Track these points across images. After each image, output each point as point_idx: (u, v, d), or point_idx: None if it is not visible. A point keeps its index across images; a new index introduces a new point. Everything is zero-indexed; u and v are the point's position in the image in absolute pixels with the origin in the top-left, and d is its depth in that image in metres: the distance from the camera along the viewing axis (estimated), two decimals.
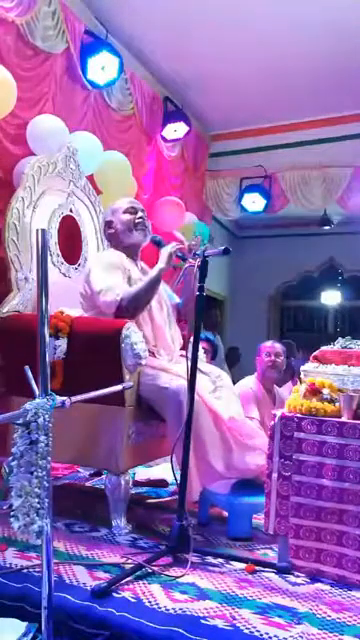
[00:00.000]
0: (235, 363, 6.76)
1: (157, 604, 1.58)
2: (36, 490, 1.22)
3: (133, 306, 2.32)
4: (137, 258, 2.63)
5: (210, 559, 1.95)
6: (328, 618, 1.55)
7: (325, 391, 1.95)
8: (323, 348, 2.12)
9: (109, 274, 2.39)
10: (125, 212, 2.57)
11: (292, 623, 1.51)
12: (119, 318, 2.30)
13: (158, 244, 2.45)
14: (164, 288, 2.76)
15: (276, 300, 8.58)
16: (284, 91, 4.78)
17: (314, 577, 1.82)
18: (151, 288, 2.36)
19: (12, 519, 1.23)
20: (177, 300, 2.78)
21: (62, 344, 2.28)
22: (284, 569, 1.86)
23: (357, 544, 1.76)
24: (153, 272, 2.37)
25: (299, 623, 1.51)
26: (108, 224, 2.60)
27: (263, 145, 5.48)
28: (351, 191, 5.17)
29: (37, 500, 1.22)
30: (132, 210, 2.58)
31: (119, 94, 4.17)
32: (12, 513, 1.24)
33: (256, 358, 3.53)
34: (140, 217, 2.57)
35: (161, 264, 2.37)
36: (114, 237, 2.58)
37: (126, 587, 1.67)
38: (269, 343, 3.56)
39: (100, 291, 2.34)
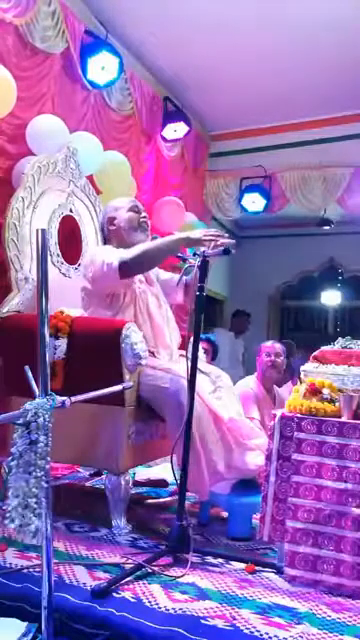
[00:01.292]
0: (244, 331, 6.81)
1: (157, 604, 1.58)
2: (34, 490, 1.22)
3: (140, 259, 2.27)
4: None
5: (210, 559, 1.95)
6: (328, 618, 1.55)
7: (325, 391, 1.94)
8: (323, 348, 2.12)
9: (111, 250, 2.42)
10: (129, 210, 2.57)
11: (292, 623, 1.51)
12: (125, 276, 2.30)
13: None
14: (164, 278, 2.75)
15: (276, 300, 8.56)
16: (284, 91, 4.78)
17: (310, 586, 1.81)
18: (161, 249, 2.29)
19: (6, 520, 1.23)
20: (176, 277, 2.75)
21: (62, 344, 2.28)
22: (284, 569, 1.86)
23: (356, 549, 1.74)
24: (171, 237, 2.32)
25: (299, 623, 1.51)
26: (110, 220, 2.60)
27: (263, 145, 5.48)
28: (351, 191, 5.17)
29: (34, 500, 1.22)
30: (136, 209, 2.58)
31: (119, 94, 4.17)
32: (7, 514, 1.23)
33: (256, 358, 3.53)
34: (144, 217, 2.58)
35: (188, 233, 2.31)
36: (115, 234, 2.57)
37: (126, 587, 1.67)
38: (269, 343, 3.57)
39: (103, 261, 2.31)
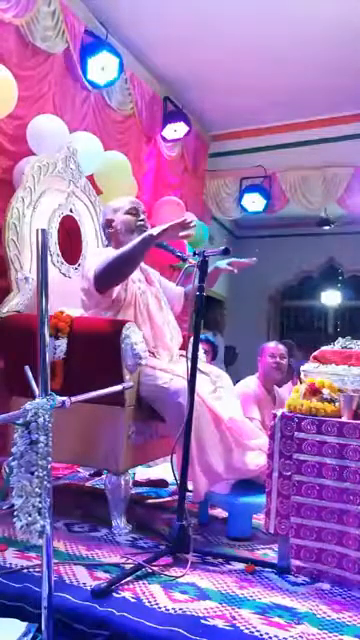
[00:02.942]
0: (232, 363, 6.73)
1: (157, 604, 1.58)
2: (37, 490, 1.22)
3: (103, 274, 2.25)
4: None
5: (210, 559, 1.95)
6: (328, 618, 1.55)
7: (325, 391, 1.94)
8: (323, 348, 2.12)
9: (99, 256, 2.39)
10: (127, 213, 2.55)
11: (292, 623, 1.51)
12: (100, 292, 2.30)
13: (159, 246, 2.43)
14: (164, 283, 2.75)
15: (276, 300, 8.57)
16: (284, 91, 4.78)
17: (314, 577, 1.82)
18: (128, 253, 2.21)
19: (15, 519, 1.23)
20: (180, 288, 2.78)
21: (62, 344, 2.28)
22: (284, 569, 1.86)
23: (357, 544, 1.76)
24: (136, 239, 2.22)
25: (299, 623, 1.51)
26: (109, 222, 2.59)
27: (263, 145, 5.49)
28: (351, 191, 5.17)
29: (38, 500, 1.22)
30: (134, 211, 2.55)
31: (119, 94, 4.17)
32: (15, 513, 1.24)
33: (258, 359, 3.51)
34: (142, 219, 2.55)
35: (152, 230, 2.20)
36: (114, 236, 2.57)
37: (126, 587, 1.67)
38: (272, 344, 3.54)
39: (87, 270, 2.35)
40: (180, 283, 2.69)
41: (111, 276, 2.28)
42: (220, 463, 2.18)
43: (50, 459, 1.26)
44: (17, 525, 1.22)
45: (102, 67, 3.73)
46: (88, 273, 2.33)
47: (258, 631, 1.45)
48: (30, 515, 1.21)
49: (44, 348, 1.33)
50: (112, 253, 2.33)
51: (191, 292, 2.01)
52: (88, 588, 1.63)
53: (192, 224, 2.21)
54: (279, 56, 4.30)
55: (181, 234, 2.21)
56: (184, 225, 2.18)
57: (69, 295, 2.60)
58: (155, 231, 2.17)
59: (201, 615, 1.52)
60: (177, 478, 1.95)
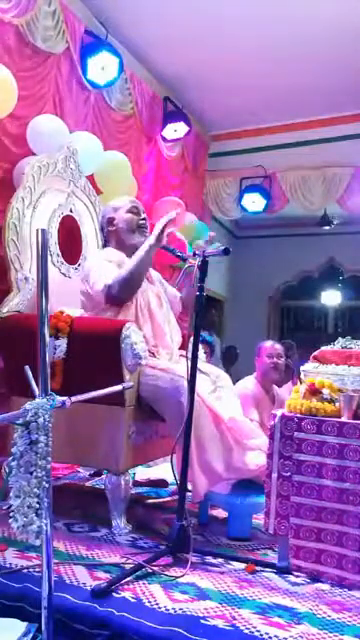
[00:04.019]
0: (233, 362, 6.74)
1: (157, 604, 1.58)
2: (35, 490, 1.22)
3: (125, 290, 2.33)
4: None
5: (210, 559, 1.95)
6: (328, 618, 1.55)
7: (325, 391, 1.94)
8: (323, 348, 2.12)
9: (103, 266, 2.41)
10: (128, 211, 2.56)
11: (292, 623, 1.51)
12: (112, 304, 2.35)
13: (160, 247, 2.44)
14: (165, 285, 2.76)
15: (276, 300, 8.58)
16: (284, 91, 4.78)
17: (314, 577, 1.82)
18: (140, 268, 2.34)
19: (11, 520, 1.23)
20: (179, 294, 2.79)
21: (62, 344, 2.28)
22: (284, 569, 1.86)
23: (357, 545, 1.76)
24: (141, 250, 2.34)
25: (299, 623, 1.51)
26: (109, 221, 2.59)
27: (263, 145, 5.49)
28: (351, 191, 5.17)
29: (36, 500, 1.22)
30: (135, 210, 2.57)
31: (119, 94, 4.17)
32: (11, 514, 1.24)
33: (256, 359, 3.51)
34: (143, 219, 2.57)
35: (150, 239, 2.34)
36: (114, 235, 2.57)
37: (126, 587, 1.67)
38: (269, 344, 3.53)
39: (94, 283, 2.37)
40: (180, 283, 2.69)
41: (127, 293, 2.36)
42: (220, 463, 2.18)
43: (50, 459, 1.26)
44: (13, 525, 1.22)
45: (102, 67, 3.73)
46: (95, 286, 2.36)
47: (258, 631, 1.45)
48: (27, 516, 1.21)
49: (44, 348, 1.33)
50: (114, 256, 2.38)
51: (187, 297, 2.05)
52: (88, 588, 1.63)
53: (178, 210, 2.35)
54: (279, 56, 4.30)
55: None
56: (172, 220, 2.31)
57: (69, 295, 2.60)
58: (153, 239, 2.30)
59: (201, 615, 1.52)
60: (177, 478, 1.95)
